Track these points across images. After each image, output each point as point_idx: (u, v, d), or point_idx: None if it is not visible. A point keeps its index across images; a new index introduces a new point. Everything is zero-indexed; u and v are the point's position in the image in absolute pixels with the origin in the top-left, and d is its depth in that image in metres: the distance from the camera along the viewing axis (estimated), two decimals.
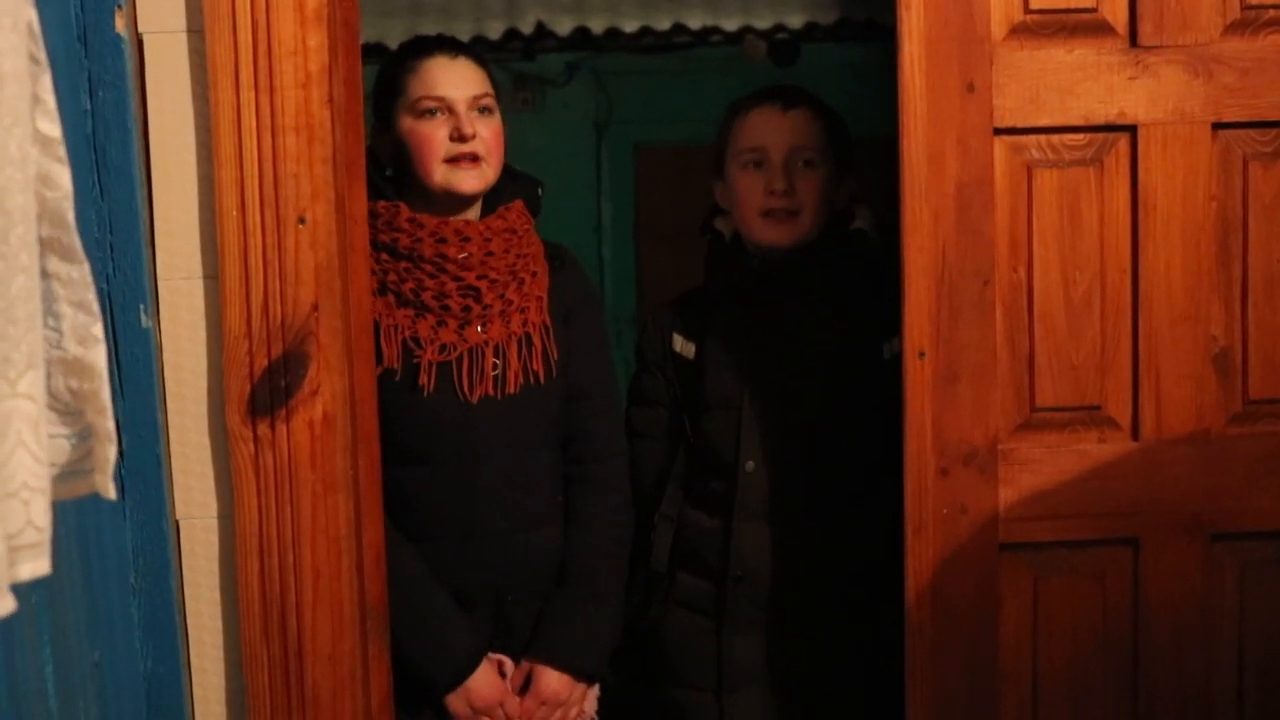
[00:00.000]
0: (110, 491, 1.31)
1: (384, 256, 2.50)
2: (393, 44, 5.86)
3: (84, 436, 1.30)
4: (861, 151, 2.78)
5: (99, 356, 1.28)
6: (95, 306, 1.28)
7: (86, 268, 1.27)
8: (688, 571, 2.73)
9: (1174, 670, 2.37)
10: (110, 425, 1.29)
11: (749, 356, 2.70)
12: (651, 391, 2.83)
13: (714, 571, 2.69)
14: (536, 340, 2.57)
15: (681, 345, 2.79)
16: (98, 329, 1.28)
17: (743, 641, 2.66)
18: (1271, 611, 2.39)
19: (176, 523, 2.13)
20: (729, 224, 2.79)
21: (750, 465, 2.65)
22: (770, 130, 2.68)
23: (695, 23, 6.22)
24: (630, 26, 6.20)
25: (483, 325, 2.52)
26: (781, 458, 2.65)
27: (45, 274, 1.26)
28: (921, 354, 2.29)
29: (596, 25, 6.19)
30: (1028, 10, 2.30)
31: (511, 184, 2.62)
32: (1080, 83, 2.30)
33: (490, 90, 2.55)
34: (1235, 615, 2.39)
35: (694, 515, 2.74)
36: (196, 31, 2.08)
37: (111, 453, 1.30)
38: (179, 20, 2.09)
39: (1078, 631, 2.37)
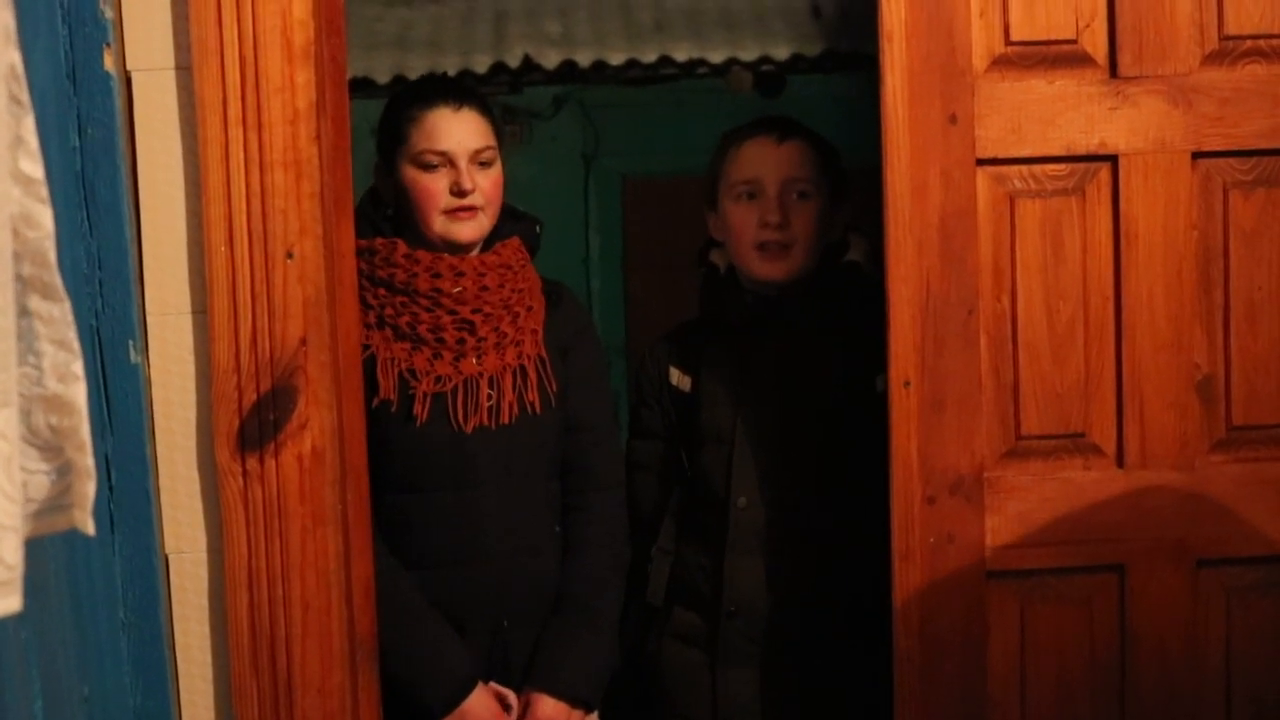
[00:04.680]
0: (89, 527, 1.31)
1: (381, 291, 2.55)
2: (380, 78, 5.91)
3: (64, 472, 1.30)
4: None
5: (79, 394, 1.28)
6: (76, 344, 1.29)
7: (68, 306, 1.28)
8: (682, 606, 2.74)
9: (1161, 697, 2.38)
10: (89, 461, 1.29)
11: (742, 391, 2.69)
12: (649, 424, 2.83)
13: (708, 606, 2.69)
14: (531, 372, 2.60)
15: (678, 378, 2.79)
16: (78, 366, 1.28)
17: (737, 675, 2.66)
18: (1258, 637, 2.39)
19: (166, 557, 2.13)
20: (724, 256, 2.79)
21: (742, 501, 2.65)
22: (764, 162, 2.68)
23: (681, 55, 6.25)
24: (617, 59, 6.22)
25: (478, 357, 2.55)
26: (774, 493, 2.65)
27: (26, 312, 1.27)
28: (906, 383, 2.30)
29: (583, 58, 6.22)
30: (1009, 42, 2.32)
31: (511, 222, 2.67)
32: (1061, 113, 2.32)
33: (492, 142, 2.60)
34: (1222, 641, 2.39)
35: (689, 550, 2.74)
36: (185, 69, 2.10)
37: (91, 489, 1.30)
38: (167, 58, 2.10)
39: (1065, 659, 2.38)
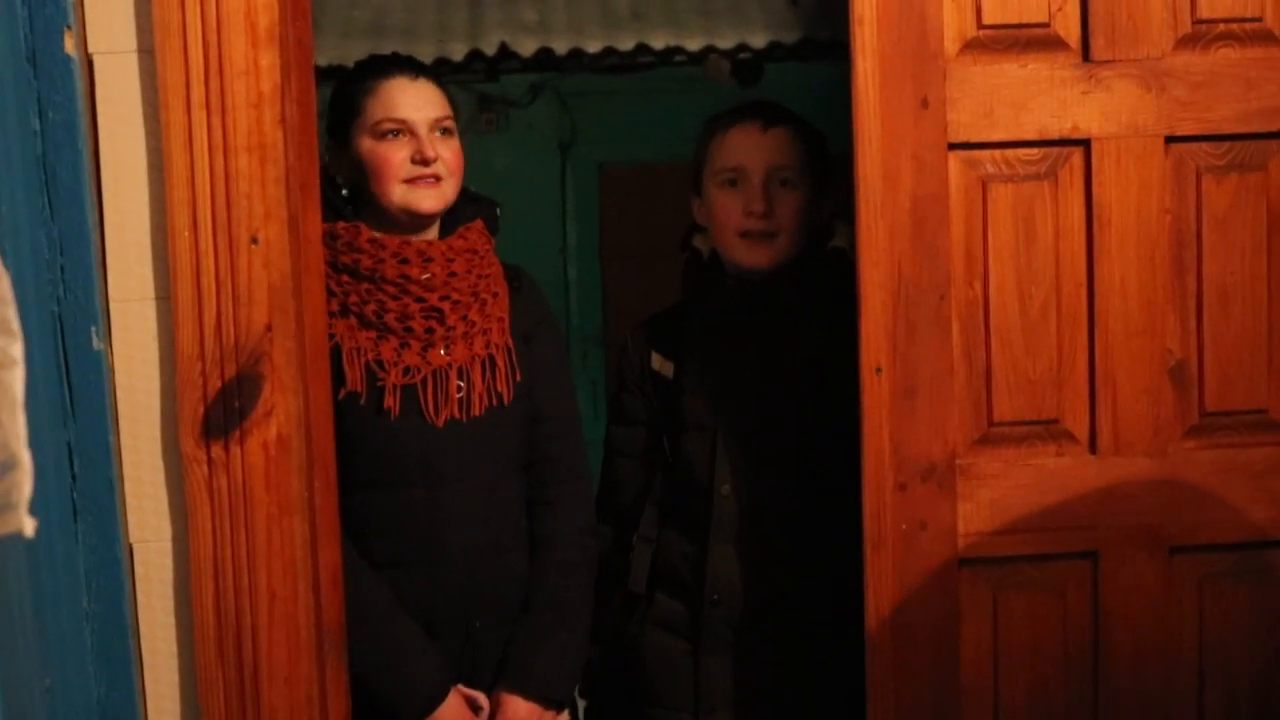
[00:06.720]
0: (28, 529, 1.23)
1: (345, 278, 2.48)
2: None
3: (6, 468, 1.23)
4: None
5: (15, 380, 1.22)
6: (15, 325, 1.23)
7: (6, 283, 1.23)
8: (665, 593, 2.72)
9: (1134, 683, 2.37)
10: (26, 455, 1.23)
11: (725, 378, 2.68)
12: (631, 411, 2.81)
13: (690, 593, 2.68)
14: (500, 361, 2.55)
15: (660, 364, 2.77)
16: (17, 349, 1.22)
17: (719, 663, 2.65)
18: (1230, 623, 2.39)
19: (130, 546, 2.10)
20: (707, 241, 2.77)
21: (725, 489, 2.64)
22: (749, 149, 2.66)
23: (658, 43, 6.24)
24: (593, 47, 6.21)
25: (446, 347, 2.50)
26: (758, 481, 2.64)
27: None
28: (878, 370, 2.29)
29: (560, 46, 6.20)
30: (981, 26, 2.30)
31: (470, 205, 2.60)
32: (1034, 97, 2.31)
33: (450, 112, 2.55)
34: (1195, 627, 2.39)
35: (672, 537, 2.72)
36: (147, 52, 2.07)
37: (28, 486, 1.23)
38: (129, 40, 2.07)
39: (1038, 646, 2.37)
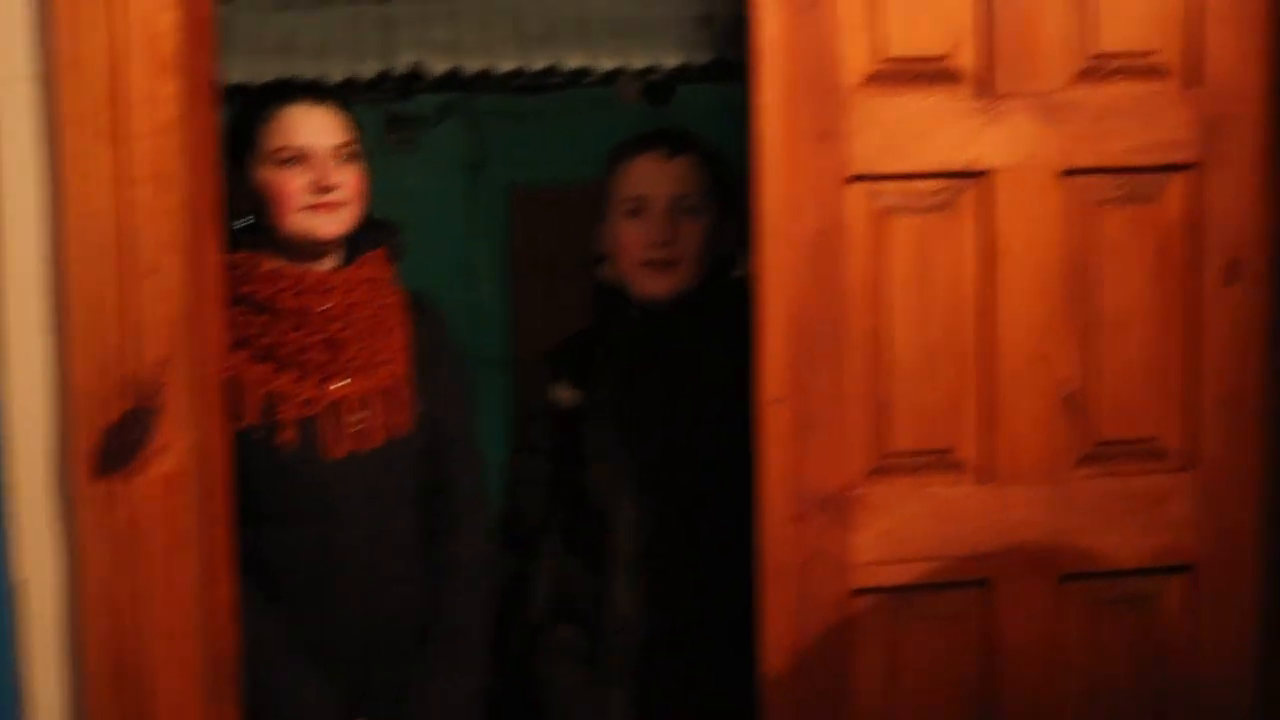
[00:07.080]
0: None
1: (243, 310, 2.45)
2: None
3: None
4: None
5: None
6: None
7: None
8: (565, 623, 2.72)
9: (1028, 710, 2.39)
10: None
11: (629, 406, 2.68)
12: (535, 439, 2.81)
13: (591, 623, 2.68)
14: (400, 392, 2.53)
15: (565, 392, 2.77)
16: None
17: (619, 694, 2.65)
18: (1120, 651, 2.42)
19: (16, 584, 2.06)
20: (612, 269, 2.77)
21: (627, 518, 2.64)
22: (652, 179, 2.67)
23: (571, 63, 6.22)
24: (506, 67, 6.19)
25: (346, 378, 2.48)
26: (659, 511, 2.64)
27: None
28: (776, 400, 2.30)
29: (472, 65, 6.17)
30: (883, 59, 2.31)
31: (371, 231, 2.57)
32: (934, 130, 2.32)
33: (351, 137, 2.52)
34: (1085, 655, 2.41)
35: (573, 566, 2.72)
36: (45, 79, 2.03)
37: None
38: (26, 66, 2.04)
39: (934, 674, 2.38)
